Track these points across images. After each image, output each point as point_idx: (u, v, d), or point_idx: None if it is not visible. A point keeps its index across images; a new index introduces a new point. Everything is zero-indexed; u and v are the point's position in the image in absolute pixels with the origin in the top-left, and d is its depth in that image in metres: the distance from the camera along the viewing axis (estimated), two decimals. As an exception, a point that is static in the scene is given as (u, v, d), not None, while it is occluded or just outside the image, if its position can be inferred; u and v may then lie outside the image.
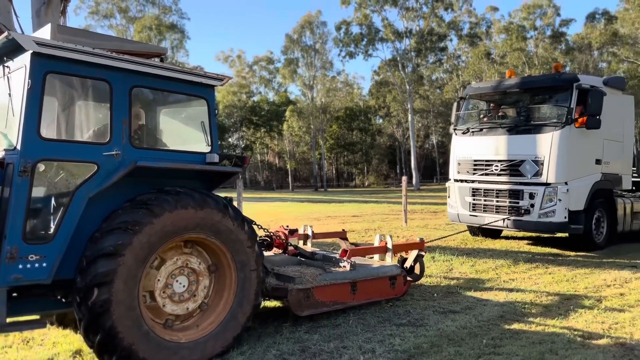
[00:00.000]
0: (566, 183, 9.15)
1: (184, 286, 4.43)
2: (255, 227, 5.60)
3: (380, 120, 68.33)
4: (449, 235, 10.65)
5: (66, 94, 4.56)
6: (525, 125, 9.59)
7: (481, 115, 10.84)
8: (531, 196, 9.28)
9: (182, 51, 49.35)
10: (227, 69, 59.85)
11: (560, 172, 9.13)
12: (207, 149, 4.83)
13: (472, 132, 10.41)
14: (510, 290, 6.85)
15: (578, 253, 9.58)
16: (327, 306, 5.50)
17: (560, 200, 9.02)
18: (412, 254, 6.69)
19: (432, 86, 61.17)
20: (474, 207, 10.23)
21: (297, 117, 54.77)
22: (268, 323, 5.39)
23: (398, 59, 50.25)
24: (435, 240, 9.76)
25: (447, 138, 58.22)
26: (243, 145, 62.43)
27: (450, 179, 10.85)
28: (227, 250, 4.53)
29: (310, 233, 7.54)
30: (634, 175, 11.82)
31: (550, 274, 7.87)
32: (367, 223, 14.66)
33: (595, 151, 9.75)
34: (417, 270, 6.75)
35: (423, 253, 6.78)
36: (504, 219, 9.58)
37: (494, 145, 9.95)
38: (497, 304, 6.13)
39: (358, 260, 6.41)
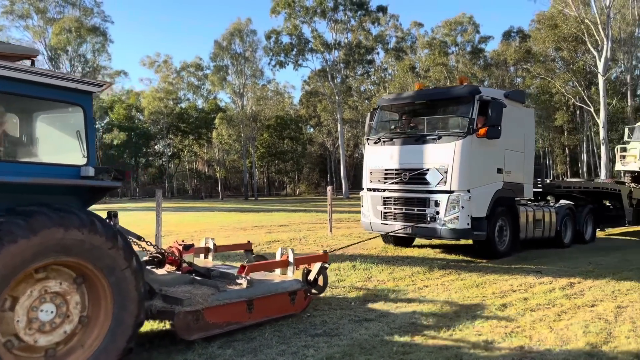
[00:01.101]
0: (469, 191, 9.37)
1: (52, 312, 3.97)
2: (145, 243, 5.39)
3: (311, 130, 68.92)
4: (351, 244, 10.48)
5: None
6: (430, 135, 9.83)
7: (392, 126, 11.09)
8: (436, 204, 9.50)
9: (104, 55, 47.33)
10: (152, 74, 58.18)
11: (463, 180, 9.35)
12: (82, 161, 4.43)
13: (383, 142, 10.55)
14: (424, 296, 7.09)
15: (490, 260, 9.98)
16: (220, 327, 5.22)
17: (463, 207, 9.24)
18: (316, 267, 6.65)
19: (360, 97, 62.50)
20: (385, 215, 10.40)
21: (227, 125, 53.98)
22: (179, 339, 5.22)
23: (327, 69, 51.00)
24: (337, 249, 9.66)
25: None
26: (170, 153, 60.73)
27: (363, 189, 11.01)
28: (86, 262, 4.07)
29: (211, 246, 7.23)
30: (538, 185, 12.59)
31: (461, 280, 8.24)
32: (293, 232, 14.67)
33: (496, 160, 10.03)
34: (320, 282, 6.71)
35: (327, 265, 6.74)
36: (411, 227, 9.76)
37: (402, 155, 10.15)
38: (410, 311, 6.32)
39: (258, 275, 6.19)
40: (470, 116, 9.50)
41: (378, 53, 57.09)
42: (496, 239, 10.07)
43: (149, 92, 56.82)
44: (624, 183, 15.84)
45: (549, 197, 13.71)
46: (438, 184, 9.49)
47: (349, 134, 66.32)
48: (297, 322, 5.84)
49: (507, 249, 10.41)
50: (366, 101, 64.84)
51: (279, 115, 62.89)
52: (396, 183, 10.16)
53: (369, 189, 10.77)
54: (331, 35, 51.58)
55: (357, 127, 66.06)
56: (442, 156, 9.50)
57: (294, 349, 4.94)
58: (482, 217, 9.57)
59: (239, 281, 5.72)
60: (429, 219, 9.51)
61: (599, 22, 34.64)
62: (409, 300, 6.87)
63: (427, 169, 9.66)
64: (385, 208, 10.38)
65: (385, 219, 10.40)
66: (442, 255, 10.59)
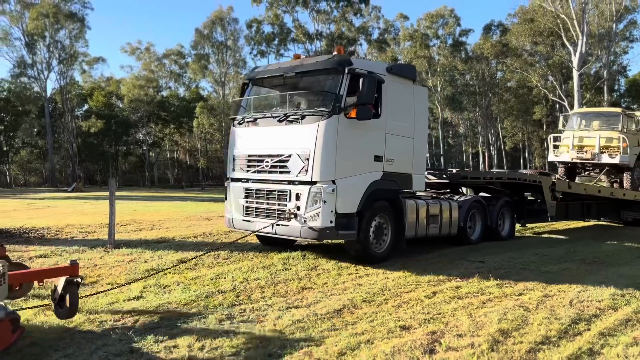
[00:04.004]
0: (333, 182, 7.91)
1: None
2: None
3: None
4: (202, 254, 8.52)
5: None
6: (294, 115, 8.28)
7: (256, 103, 9.52)
8: (297, 197, 8.04)
9: (81, 41, 46.71)
10: (133, 62, 57.55)
11: (326, 168, 7.89)
12: None
13: (247, 122, 9.04)
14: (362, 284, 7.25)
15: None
16: None
17: (325, 202, 7.78)
18: (60, 282, 5.19)
19: (343, 88, 62.31)
20: (247, 210, 8.88)
21: (208, 114, 53.76)
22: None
23: (309, 60, 50.82)
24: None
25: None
26: (150, 142, 60.25)
27: (228, 178, 9.45)
28: None
29: None
30: (442, 175, 11.65)
31: (403, 271, 8.40)
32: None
33: (374, 146, 8.58)
34: (68, 302, 5.17)
35: (78, 280, 5.27)
36: (272, 225, 8.28)
37: (266, 138, 8.72)
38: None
39: None
40: (337, 92, 7.99)
41: (361, 44, 57.13)
42: (371, 239, 8.58)
43: (129, 80, 56.25)
44: (549, 175, 14.52)
45: (463, 189, 12.76)
46: (299, 173, 8.05)
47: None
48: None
49: (386, 252, 8.89)
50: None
51: (261, 105, 62.57)
52: (259, 172, 8.69)
53: (233, 179, 9.26)
54: (313, 26, 51.54)
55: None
56: (304, 140, 8.04)
57: None
58: (352, 213, 8.14)
59: None
60: (287, 215, 8.11)
61: (574, 17, 35.03)
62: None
63: (289, 156, 8.20)
64: (247, 202, 8.88)
65: (247, 214, 8.88)
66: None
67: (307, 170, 7.97)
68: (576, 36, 35.47)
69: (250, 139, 9.02)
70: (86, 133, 52.72)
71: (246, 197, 8.89)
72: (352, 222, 8.16)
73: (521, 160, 60.11)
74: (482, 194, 12.44)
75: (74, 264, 5.38)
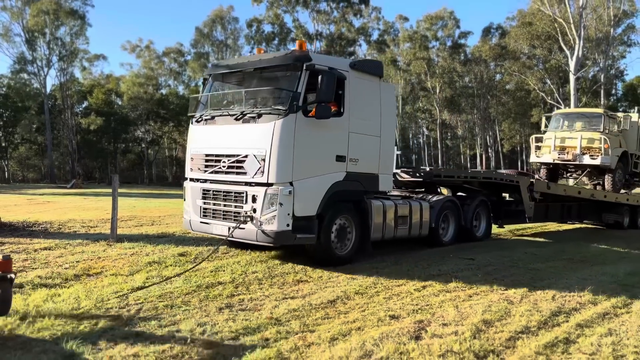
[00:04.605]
0: (291, 183, 7.65)
1: None
2: None
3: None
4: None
5: None
6: (251, 113, 7.98)
7: (215, 100, 9.19)
8: (254, 199, 7.74)
9: (82, 38, 46.96)
10: (133, 59, 57.81)
11: (283, 170, 7.61)
12: None
13: (206, 120, 8.74)
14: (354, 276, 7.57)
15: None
16: None
17: (281, 204, 7.49)
18: None
19: (342, 88, 62.62)
20: (204, 212, 8.59)
21: (207, 113, 53.93)
22: None
23: (308, 60, 51.08)
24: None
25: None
26: (149, 139, 60.51)
27: (186, 178, 9.17)
28: None
29: None
30: (416, 174, 11.30)
31: (395, 264, 8.73)
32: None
33: (336, 146, 8.31)
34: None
35: (11, 275, 4.96)
36: (230, 228, 7.94)
37: (223, 137, 8.43)
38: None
39: None
40: (295, 89, 7.70)
41: (360, 45, 57.49)
42: (334, 241, 8.34)
43: (129, 77, 56.51)
44: (528, 175, 14.37)
45: (441, 189, 12.49)
46: (255, 174, 7.76)
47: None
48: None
49: (349, 254, 8.59)
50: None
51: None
52: (216, 172, 8.40)
53: (192, 179, 8.97)
54: (313, 26, 51.86)
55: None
56: (260, 140, 7.74)
57: None
58: (312, 215, 7.88)
59: None
60: (242, 218, 7.80)
61: (572, 21, 35.40)
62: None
63: (246, 156, 7.90)
64: (205, 203, 8.59)
65: (204, 216, 8.61)
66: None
67: (263, 172, 7.67)
68: (573, 40, 35.86)
69: (208, 137, 8.70)
70: (85, 130, 52.97)
71: (204, 198, 8.60)
72: (312, 225, 7.89)
73: (519, 163, 60.52)
74: (460, 193, 12.30)
75: (7, 260, 5.03)
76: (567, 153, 15.72)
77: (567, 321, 5.73)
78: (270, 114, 7.73)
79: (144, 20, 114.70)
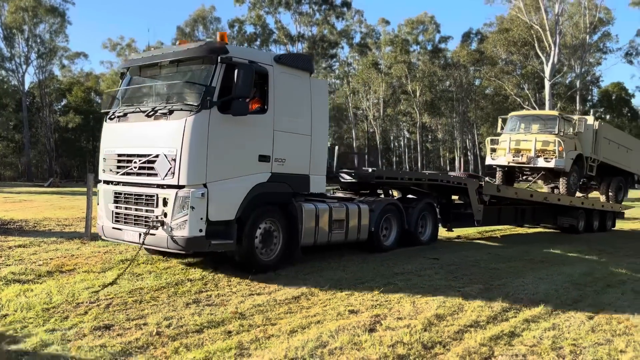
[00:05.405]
0: (205, 185, 7.06)
1: None
2: None
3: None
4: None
5: None
6: (162, 109, 7.36)
7: (129, 95, 8.43)
8: (165, 203, 7.11)
9: (61, 36, 46.56)
10: (114, 57, 57.41)
11: (195, 171, 7.02)
12: None
13: (118, 117, 8.05)
14: (321, 275, 7.86)
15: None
16: None
17: (193, 208, 6.90)
18: None
19: (323, 90, 62.99)
20: (116, 217, 7.87)
21: (189, 113, 53.81)
22: None
23: (290, 61, 51.35)
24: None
25: (338, 140, 60.59)
26: (130, 139, 60.03)
27: (100, 180, 8.38)
28: None
29: None
30: (351, 174, 10.64)
31: (363, 263, 9.06)
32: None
33: (259, 145, 7.75)
34: None
35: None
36: (140, 234, 7.27)
37: (134, 135, 7.76)
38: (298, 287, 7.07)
39: None
40: (208, 84, 7.12)
41: (342, 48, 58.02)
42: (258, 247, 7.81)
43: (109, 76, 56.11)
44: (478, 177, 14.04)
45: (392, 192, 11.96)
46: (166, 175, 7.12)
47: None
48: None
49: (275, 260, 8.08)
50: (331, 95, 65.82)
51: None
52: (128, 174, 7.71)
53: (104, 181, 8.21)
54: (295, 28, 52.18)
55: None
56: (171, 138, 7.14)
57: None
58: (230, 220, 7.32)
59: None
60: (152, 223, 7.13)
61: (547, 28, 36.29)
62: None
63: (157, 156, 7.25)
64: (116, 207, 7.87)
65: (117, 221, 7.87)
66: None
67: (174, 173, 7.04)
68: (549, 47, 36.77)
69: (121, 136, 8.00)
70: (64, 128, 52.49)
71: (115, 201, 7.88)
72: (230, 230, 7.34)
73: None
74: (410, 196, 11.84)
75: None
76: (522, 156, 15.62)
77: (516, 317, 6.09)
78: (181, 110, 7.15)
79: (126, 19, 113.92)
